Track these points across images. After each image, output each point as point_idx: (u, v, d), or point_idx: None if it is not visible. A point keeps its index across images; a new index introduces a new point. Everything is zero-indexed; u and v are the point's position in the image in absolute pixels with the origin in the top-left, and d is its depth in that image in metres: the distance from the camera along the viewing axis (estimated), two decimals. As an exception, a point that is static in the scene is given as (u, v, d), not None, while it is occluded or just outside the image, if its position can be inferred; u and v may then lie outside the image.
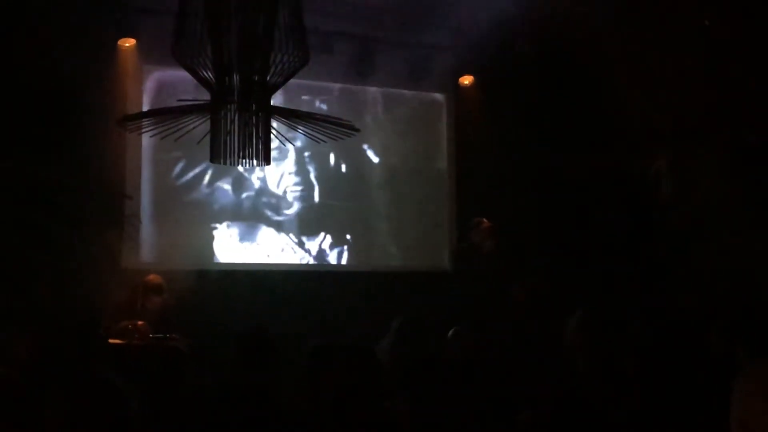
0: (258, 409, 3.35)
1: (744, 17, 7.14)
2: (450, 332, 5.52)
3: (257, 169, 8.27)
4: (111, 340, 6.42)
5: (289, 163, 8.78)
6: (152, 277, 7.01)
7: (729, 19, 7.21)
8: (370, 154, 9.14)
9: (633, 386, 3.36)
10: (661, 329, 3.69)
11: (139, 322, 6.58)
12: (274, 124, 5.22)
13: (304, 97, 8.79)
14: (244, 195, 8.57)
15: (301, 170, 8.85)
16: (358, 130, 5.37)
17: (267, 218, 8.64)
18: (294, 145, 7.82)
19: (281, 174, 8.73)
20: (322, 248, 8.83)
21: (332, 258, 8.87)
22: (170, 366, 6.25)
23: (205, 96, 5.14)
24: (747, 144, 7.20)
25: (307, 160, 8.86)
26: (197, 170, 8.33)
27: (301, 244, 8.73)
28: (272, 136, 5.16)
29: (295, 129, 5.52)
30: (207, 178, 8.37)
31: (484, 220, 7.83)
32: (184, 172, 8.31)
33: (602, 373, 3.43)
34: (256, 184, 8.63)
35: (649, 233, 8.26)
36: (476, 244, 7.80)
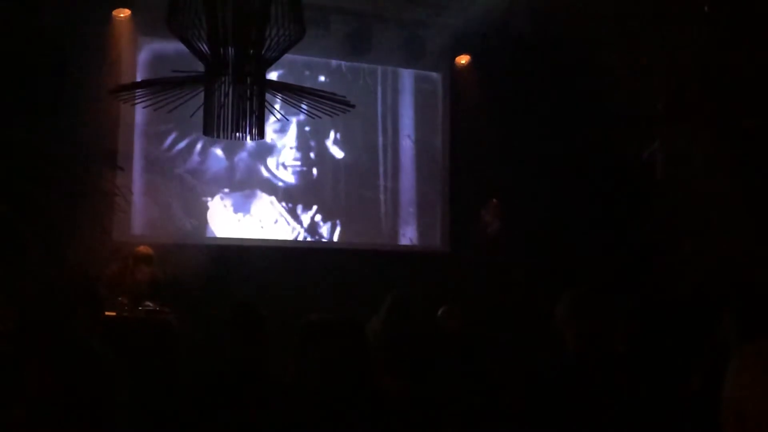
0: (247, 384, 3.35)
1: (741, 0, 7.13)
2: (440, 310, 5.53)
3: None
4: (100, 312, 6.42)
5: (290, 137, 8.76)
6: (142, 248, 7.02)
7: (726, 2, 7.19)
8: (366, 131, 9.11)
9: (623, 366, 3.37)
10: (654, 310, 3.70)
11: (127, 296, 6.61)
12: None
13: (307, 73, 8.78)
14: (236, 158, 8.54)
15: (301, 145, 8.83)
16: (352, 106, 5.34)
17: (262, 185, 8.62)
18: (288, 120, 7.78)
19: (281, 146, 8.71)
20: (316, 222, 8.82)
21: (324, 231, 8.86)
22: (160, 338, 6.26)
23: (200, 68, 5.11)
24: (741, 127, 7.20)
25: (307, 134, 8.84)
26: (189, 139, 8.28)
27: (294, 216, 8.71)
28: (266, 109, 5.13)
29: (291, 104, 5.50)
30: (199, 146, 8.33)
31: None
32: (176, 141, 8.27)
33: (591, 353, 3.43)
34: (252, 152, 8.60)
35: (643, 215, 8.26)
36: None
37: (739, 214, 7.04)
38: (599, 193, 8.49)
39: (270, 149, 8.64)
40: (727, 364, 1.79)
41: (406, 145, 9.25)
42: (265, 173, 8.64)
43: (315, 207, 8.83)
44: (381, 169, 9.16)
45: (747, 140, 7.18)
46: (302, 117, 7.97)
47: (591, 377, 3.28)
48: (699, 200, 7.39)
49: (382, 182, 9.14)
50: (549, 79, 8.70)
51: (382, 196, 9.13)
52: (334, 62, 8.99)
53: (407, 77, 9.36)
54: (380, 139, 9.17)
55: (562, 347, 3.55)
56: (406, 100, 9.32)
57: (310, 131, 8.82)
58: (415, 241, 9.20)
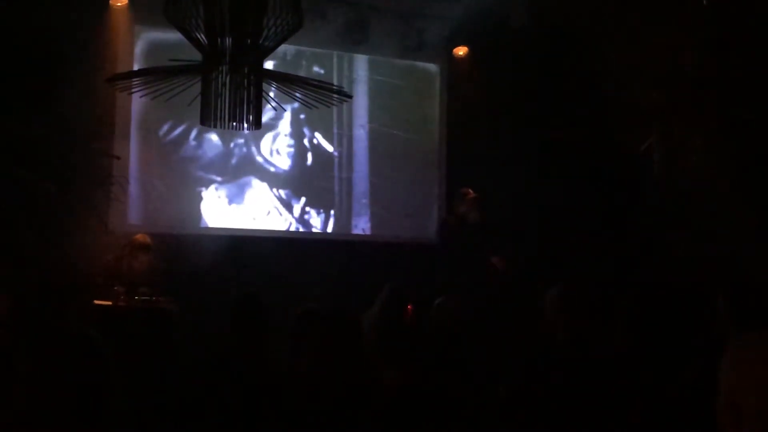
0: (245, 373, 3.36)
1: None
2: (435, 302, 5.52)
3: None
4: (96, 301, 6.42)
5: (285, 124, 8.73)
6: (139, 236, 7.02)
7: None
8: (362, 122, 9.09)
9: (615, 359, 3.38)
10: (649, 302, 3.70)
11: (123, 285, 6.60)
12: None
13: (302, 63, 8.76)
14: (232, 144, 8.53)
15: (295, 132, 8.80)
16: (350, 96, 5.37)
17: (256, 172, 8.60)
18: (284, 109, 7.75)
19: (275, 134, 8.69)
20: (309, 213, 8.81)
21: (317, 223, 8.85)
22: (158, 327, 6.27)
23: (198, 58, 5.10)
24: (739, 121, 7.20)
25: (302, 122, 8.81)
26: (184, 127, 8.26)
27: (288, 207, 8.69)
28: (264, 99, 5.13)
29: (287, 94, 5.50)
30: (194, 133, 8.31)
31: (470, 190, 7.81)
32: (171, 130, 8.25)
33: (582, 346, 3.44)
34: (247, 138, 8.57)
35: (640, 209, 8.26)
36: (462, 215, 7.78)
37: (736, 207, 7.05)
38: (596, 186, 8.48)
39: (264, 136, 8.59)
40: (723, 355, 1.80)
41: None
42: (259, 159, 8.61)
43: (310, 198, 8.82)
44: (374, 160, 9.14)
45: (744, 134, 7.18)
46: (297, 105, 7.95)
47: (582, 370, 3.29)
48: (696, 194, 7.39)
49: (376, 172, 9.13)
50: (547, 72, 8.69)
51: (375, 187, 9.11)
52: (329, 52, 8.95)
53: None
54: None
55: (553, 340, 3.57)
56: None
57: (304, 118, 8.78)
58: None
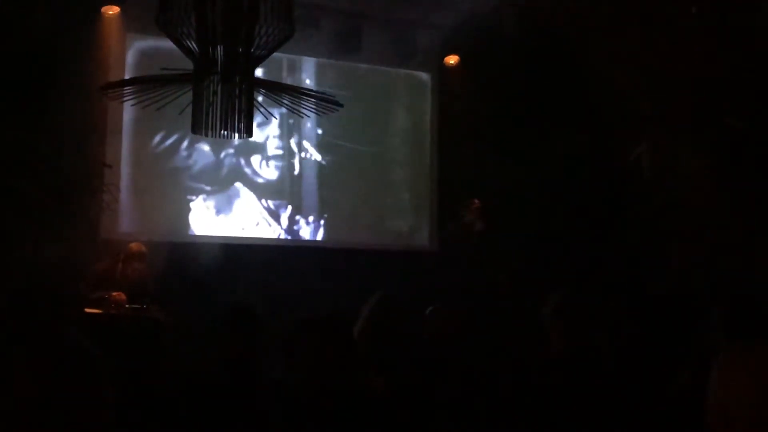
0: (237, 382, 3.35)
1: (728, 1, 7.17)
2: (428, 310, 5.52)
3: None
4: (87, 309, 6.40)
5: (273, 128, 8.72)
6: (134, 245, 6.99)
7: (713, 3, 7.22)
8: (354, 129, 9.08)
9: (609, 366, 3.38)
10: (640, 310, 3.71)
11: (115, 294, 6.56)
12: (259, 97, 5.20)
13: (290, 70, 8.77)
14: (223, 154, 8.51)
15: (284, 134, 8.80)
16: (341, 105, 5.35)
17: (245, 180, 8.59)
18: (275, 117, 7.76)
19: (265, 137, 8.68)
20: (299, 222, 8.80)
21: (306, 233, 8.84)
22: (148, 336, 6.24)
23: (190, 66, 5.10)
24: (729, 128, 7.23)
25: (291, 126, 8.80)
26: (176, 137, 8.26)
27: (276, 217, 8.68)
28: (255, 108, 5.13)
29: (279, 103, 5.50)
30: (186, 142, 8.31)
31: (476, 200, 7.87)
32: (163, 139, 8.25)
33: (577, 353, 3.44)
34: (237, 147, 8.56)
35: (631, 216, 8.28)
36: (467, 224, 7.85)
37: (725, 214, 7.07)
38: (587, 193, 8.50)
39: (254, 145, 8.58)
40: (714, 364, 1.81)
41: (395, 143, 9.17)
42: (248, 170, 8.60)
43: (301, 206, 8.81)
44: (366, 168, 9.12)
45: (733, 141, 7.21)
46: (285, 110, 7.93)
47: (577, 377, 3.29)
48: (686, 201, 7.42)
49: (368, 180, 9.11)
50: (538, 80, 8.71)
51: (367, 195, 9.10)
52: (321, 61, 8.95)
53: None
54: (364, 137, 9.12)
55: (548, 347, 3.57)
56: (394, 99, 9.26)
57: (293, 123, 8.76)
58: (402, 241, 9.17)
